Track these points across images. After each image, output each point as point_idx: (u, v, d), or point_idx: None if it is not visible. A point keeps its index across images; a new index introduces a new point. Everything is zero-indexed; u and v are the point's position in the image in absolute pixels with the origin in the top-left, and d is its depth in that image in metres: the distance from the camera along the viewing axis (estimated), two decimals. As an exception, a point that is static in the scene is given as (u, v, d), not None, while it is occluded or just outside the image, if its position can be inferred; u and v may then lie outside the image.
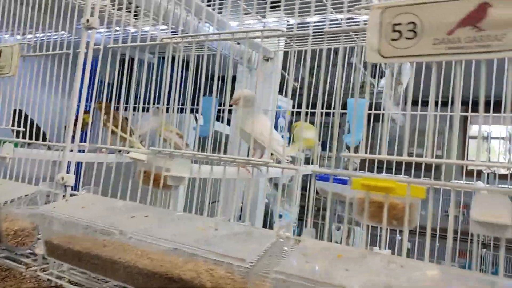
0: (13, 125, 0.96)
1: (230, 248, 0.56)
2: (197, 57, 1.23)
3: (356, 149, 1.20)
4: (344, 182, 1.13)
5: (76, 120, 0.88)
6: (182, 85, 0.99)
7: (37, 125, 1.02)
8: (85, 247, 0.69)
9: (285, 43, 1.39)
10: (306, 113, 1.43)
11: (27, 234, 0.86)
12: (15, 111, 1.01)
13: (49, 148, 1.02)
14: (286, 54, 1.53)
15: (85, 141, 0.92)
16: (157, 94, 0.92)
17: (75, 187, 0.87)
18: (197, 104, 1.64)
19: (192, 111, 1.69)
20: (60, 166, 0.84)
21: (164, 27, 1.12)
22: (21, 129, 0.99)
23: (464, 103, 1.36)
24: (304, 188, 2.67)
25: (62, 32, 1.41)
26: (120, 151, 0.84)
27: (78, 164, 0.87)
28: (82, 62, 0.85)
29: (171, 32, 1.29)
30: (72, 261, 0.71)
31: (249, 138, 0.94)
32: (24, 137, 0.96)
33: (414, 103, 1.39)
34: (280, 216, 2.35)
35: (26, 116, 1.03)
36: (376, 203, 0.59)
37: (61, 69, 0.96)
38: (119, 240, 0.67)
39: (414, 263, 0.50)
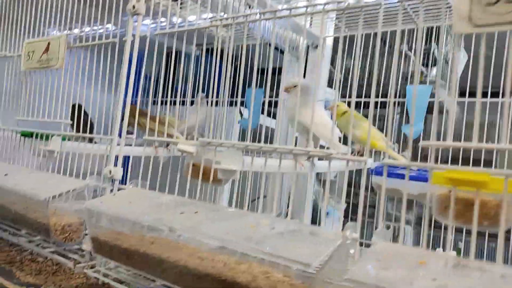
0: (71, 119, 0.96)
1: (290, 249, 0.49)
2: (241, 49, 1.18)
3: (416, 141, 1.10)
4: (400, 176, 1.03)
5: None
6: (228, 77, 0.94)
7: (91, 120, 1.01)
8: (133, 244, 0.65)
9: (335, 28, 1.30)
10: (356, 105, 1.34)
11: (74, 230, 0.84)
12: (74, 105, 1.00)
13: (95, 142, 1.00)
14: (335, 42, 1.44)
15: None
16: (204, 88, 0.88)
17: (123, 181, 0.84)
18: (243, 97, 1.58)
19: (235, 103, 1.64)
20: (108, 159, 0.81)
21: (211, 15, 1.06)
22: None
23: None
24: (350, 184, 2.56)
25: (108, 26, 1.40)
26: (168, 144, 0.80)
27: (126, 158, 0.84)
28: (129, 50, 0.81)
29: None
30: (119, 259, 0.68)
31: (304, 130, 0.87)
32: (79, 131, 0.95)
33: (462, 94, 1.25)
34: (327, 214, 2.25)
35: (84, 112, 1.03)
36: (462, 200, 0.50)
37: (107, 61, 0.94)
38: (167, 238, 0.62)
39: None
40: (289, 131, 1.42)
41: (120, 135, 0.83)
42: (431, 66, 2.89)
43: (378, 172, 1.13)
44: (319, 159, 1.08)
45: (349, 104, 1.28)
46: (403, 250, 0.47)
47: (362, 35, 1.22)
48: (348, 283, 0.42)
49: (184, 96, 1.07)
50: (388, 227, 2.66)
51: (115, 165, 0.82)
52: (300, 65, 1.45)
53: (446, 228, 0.49)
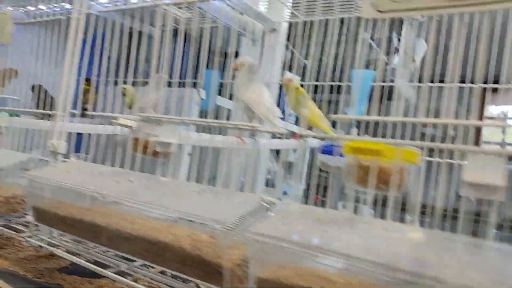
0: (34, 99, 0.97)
1: (210, 211, 0.54)
2: (200, 30, 1.20)
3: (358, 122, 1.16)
4: (326, 152, 1.09)
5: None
6: (184, 59, 0.96)
7: (52, 97, 1.03)
8: (70, 212, 0.68)
9: (291, 14, 1.34)
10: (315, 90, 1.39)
11: (18, 202, 0.86)
12: (33, 86, 1.02)
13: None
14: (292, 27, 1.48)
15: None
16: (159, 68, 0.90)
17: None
18: (199, 78, 1.61)
19: (194, 85, 1.67)
20: (51, 134, 0.82)
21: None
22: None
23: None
24: (310, 166, 2.63)
25: (55, 4, 1.39)
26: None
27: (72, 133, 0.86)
28: (75, 27, 0.83)
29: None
30: (59, 226, 0.71)
31: (244, 107, 0.92)
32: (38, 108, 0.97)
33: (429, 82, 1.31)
34: (285, 193, 2.32)
35: (45, 91, 1.04)
36: (366, 167, 0.56)
37: (58, 39, 0.95)
38: (102, 205, 0.66)
39: (398, 226, 0.47)
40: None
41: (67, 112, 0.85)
42: (393, 54, 2.97)
43: (322, 150, 1.19)
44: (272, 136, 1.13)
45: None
46: (308, 209, 0.52)
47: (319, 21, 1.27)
48: (250, 234, 0.47)
49: (146, 77, 1.09)
50: (344, 206, 2.73)
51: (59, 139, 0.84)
52: (256, 48, 1.49)
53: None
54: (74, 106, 1.63)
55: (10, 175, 0.85)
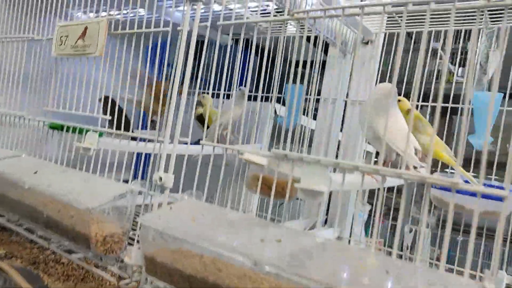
0: (103, 113, 0.85)
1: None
2: (275, 40, 1.07)
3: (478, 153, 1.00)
4: (464, 192, 0.93)
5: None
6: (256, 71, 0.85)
7: (126, 114, 0.91)
8: (198, 271, 0.55)
9: (388, 22, 1.19)
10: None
11: (116, 240, 0.75)
12: (106, 98, 0.90)
13: (133, 139, 0.90)
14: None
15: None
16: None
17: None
18: (280, 92, 1.48)
19: (269, 99, 1.55)
20: (159, 163, 0.70)
21: (267, 3, 0.96)
22: (107, 117, 0.87)
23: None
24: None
25: (141, 10, 1.29)
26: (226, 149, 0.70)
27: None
28: (185, 40, 0.71)
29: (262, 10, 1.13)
30: (179, 285, 0.58)
31: (373, 137, 0.77)
32: (113, 127, 0.85)
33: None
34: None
35: (116, 105, 0.93)
36: None
37: (139, 50, 0.84)
38: (237, 265, 0.53)
39: None
40: (331, 134, 1.32)
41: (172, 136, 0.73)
42: (459, 66, 2.76)
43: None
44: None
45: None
46: None
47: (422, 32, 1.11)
48: None
49: (214, 88, 0.97)
50: (410, 231, 2.55)
51: (166, 170, 0.71)
52: (347, 61, 1.35)
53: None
54: (144, 118, 1.52)
55: (106, 209, 0.74)
